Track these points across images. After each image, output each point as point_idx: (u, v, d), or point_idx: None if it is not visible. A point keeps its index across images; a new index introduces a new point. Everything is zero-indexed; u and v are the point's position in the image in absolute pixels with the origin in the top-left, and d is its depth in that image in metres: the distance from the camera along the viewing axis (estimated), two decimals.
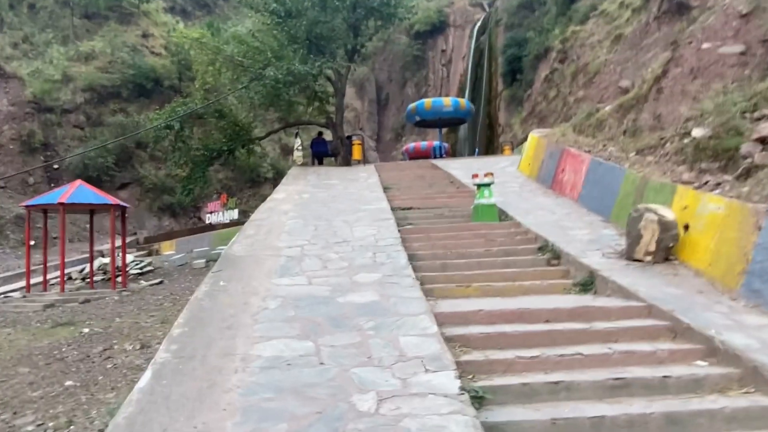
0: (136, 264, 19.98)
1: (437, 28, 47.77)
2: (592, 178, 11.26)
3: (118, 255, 17.96)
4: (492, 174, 10.73)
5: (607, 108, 14.09)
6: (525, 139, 27.30)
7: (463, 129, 40.31)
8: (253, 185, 38.71)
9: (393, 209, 11.70)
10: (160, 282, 17.49)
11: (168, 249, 26.04)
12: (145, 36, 40.67)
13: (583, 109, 15.45)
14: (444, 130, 33.68)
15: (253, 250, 8.35)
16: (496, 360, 4.79)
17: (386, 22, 23.29)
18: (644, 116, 12.06)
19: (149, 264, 20.44)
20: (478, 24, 44.41)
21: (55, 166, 33.63)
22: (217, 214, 29.56)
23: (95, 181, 31.84)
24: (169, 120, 18.84)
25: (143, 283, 17.67)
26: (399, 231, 9.60)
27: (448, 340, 5.05)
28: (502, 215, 10.67)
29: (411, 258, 8.00)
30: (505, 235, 9.50)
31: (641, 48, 19.45)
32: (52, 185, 28.93)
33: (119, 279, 17.32)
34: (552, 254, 8.26)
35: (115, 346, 10.22)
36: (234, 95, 21.18)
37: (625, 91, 15.57)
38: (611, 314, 5.80)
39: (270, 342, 4.90)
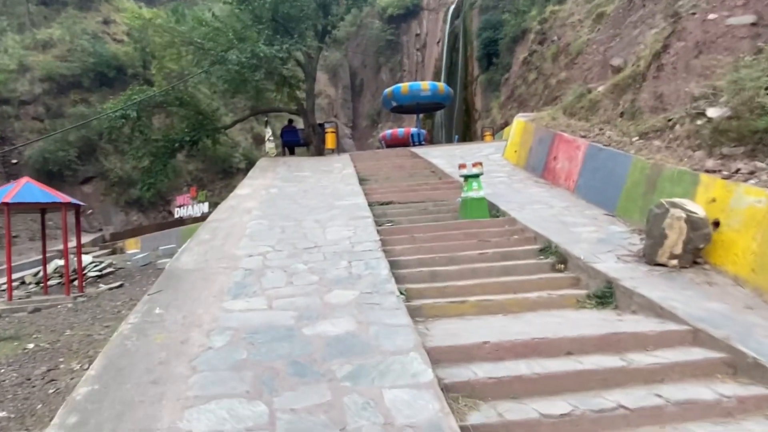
0: (95, 266, 18.47)
1: (411, 11, 46.72)
2: (590, 165, 10.14)
3: (73, 257, 16.48)
4: (481, 164, 9.53)
5: (601, 88, 13.02)
6: (505, 124, 26.32)
7: (439, 115, 39.22)
8: (224, 176, 37.46)
9: (371, 204, 10.49)
10: (120, 285, 16.13)
11: (133, 247, 24.53)
12: (106, 22, 38.97)
13: (574, 90, 14.32)
14: (421, 116, 32.48)
15: (206, 261, 6.97)
16: (514, 422, 3.54)
17: (357, 1, 21.98)
18: (644, 96, 11.00)
19: (109, 265, 18.94)
20: (452, 7, 43.30)
21: (14, 161, 31.93)
22: (186, 208, 28.14)
23: (57, 176, 30.42)
24: (125, 108, 17.26)
25: (102, 287, 16.26)
26: (378, 231, 8.38)
27: (448, 389, 3.80)
28: (493, 210, 9.50)
29: (393, 266, 6.77)
30: (499, 234, 8.29)
31: (626, 26, 18.51)
32: (11, 181, 27.36)
33: (75, 283, 15.85)
34: (557, 258, 7.07)
35: (61, 366, 9.11)
36: (196, 81, 19.63)
37: (618, 69, 14.45)
38: (648, 341, 4.61)
39: (208, 405, 3.56)
